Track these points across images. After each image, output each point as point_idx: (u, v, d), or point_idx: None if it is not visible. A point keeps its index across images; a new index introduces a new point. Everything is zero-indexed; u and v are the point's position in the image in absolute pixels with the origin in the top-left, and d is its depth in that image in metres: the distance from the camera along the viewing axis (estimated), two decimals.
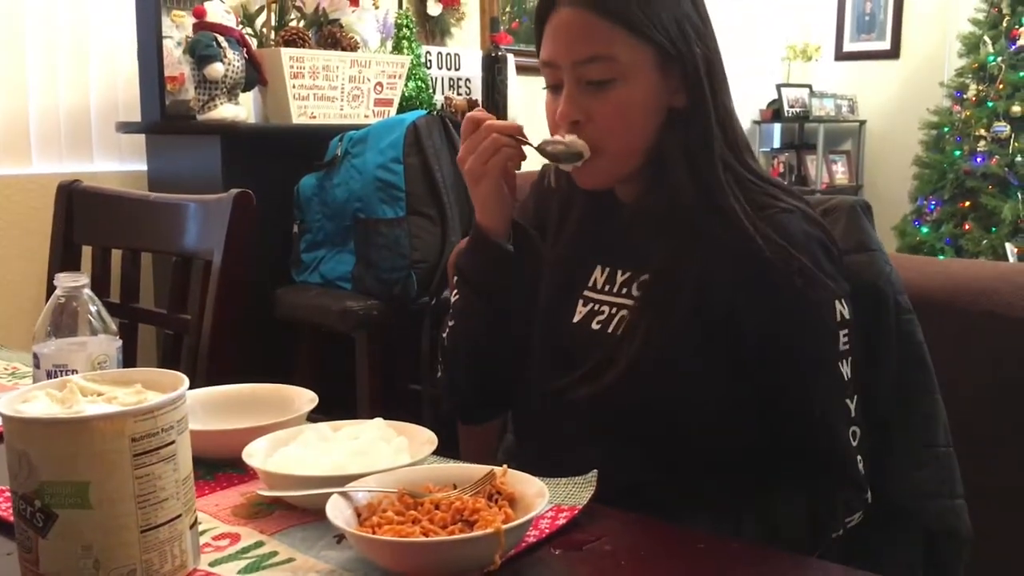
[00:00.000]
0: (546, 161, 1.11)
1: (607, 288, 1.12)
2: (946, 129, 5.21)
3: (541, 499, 0.79)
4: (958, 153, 5.12)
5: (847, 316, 1.03)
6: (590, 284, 1.13)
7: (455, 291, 1.21)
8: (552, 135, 1.08)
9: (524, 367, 1.17)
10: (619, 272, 1.11)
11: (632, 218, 1.11)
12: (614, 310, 1.09)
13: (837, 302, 1.02)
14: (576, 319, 1.12)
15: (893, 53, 5.79)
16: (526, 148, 1.10)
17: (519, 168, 1.13)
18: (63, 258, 1.77)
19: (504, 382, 1.21)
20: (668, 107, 1.06)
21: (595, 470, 0.91)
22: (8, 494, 0.74)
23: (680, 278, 1.03)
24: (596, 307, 1.12)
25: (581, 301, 1.13)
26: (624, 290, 1.10)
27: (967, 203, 5.09)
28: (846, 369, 1.02)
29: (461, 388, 1.25)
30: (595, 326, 1.10)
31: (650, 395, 1.03)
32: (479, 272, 1.16)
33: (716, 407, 1.03)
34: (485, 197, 1.12)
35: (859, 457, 1.02)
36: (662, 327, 1.03)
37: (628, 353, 1.03)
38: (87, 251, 1.78)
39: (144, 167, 2.84)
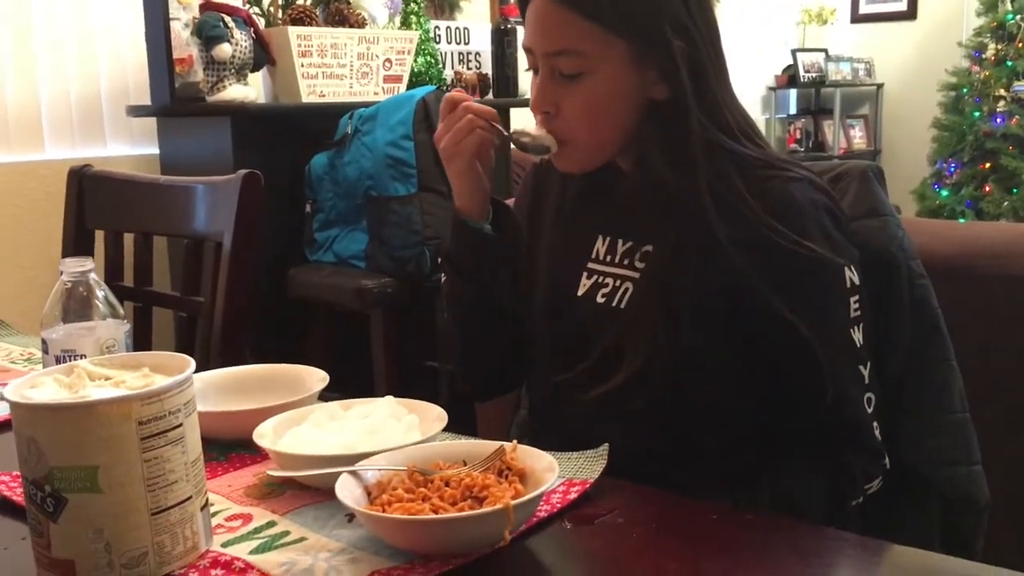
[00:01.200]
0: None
1: (608, 259, 1.11)
2: (965, 90, 5.14)
3: (551, 474, 0.79)
4: (977, 114, 5.05)
5: (856, 282, 1.02)
6: (593, 255, 1.13)
7: (443, 276, 1.22)
8: (535, 118, 1.09)
9: (530, 348, 1.17)
10: (620, 242, 1.11)
11: (631, 190, 1.10)
12: (618, 282, 1.09)
13: (846, 268, 1.01)
14: (581, 292, 1.12)
15: (910, 14, 5.71)
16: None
17: (492, 154, 1.14)
18: (76, 243, 1.77)
19: (507, 361, 1.22)
20: (648, 99, 1.05)
21: (606, 444, 0.91)
22: (19, 479, 0.74)
23: (683, 253, 1.03)
24: (600, 279, 1.11)
25: (585, 273, 1.12)
26: (626, 260, 1.09)
27: (987, 165, 5.03)
28: (858, 336, 1.01)
29: (466, 370, 1.26)
30: (600, 299, 1.10)
31: (666, 384, 1.02)
32: (458, 254, 1.19)
33: (729, 383, 1.03)
34: (457, 177, 1.14)
35: (875, 424, 1.02)
36: (670, 307, 1.02)
37: (639, 349, 1.02)
38: (100, 235, 1.78)
39: (156, 150, 2.85)
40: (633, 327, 1.04)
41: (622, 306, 1.07)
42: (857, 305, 1.02)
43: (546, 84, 1.05)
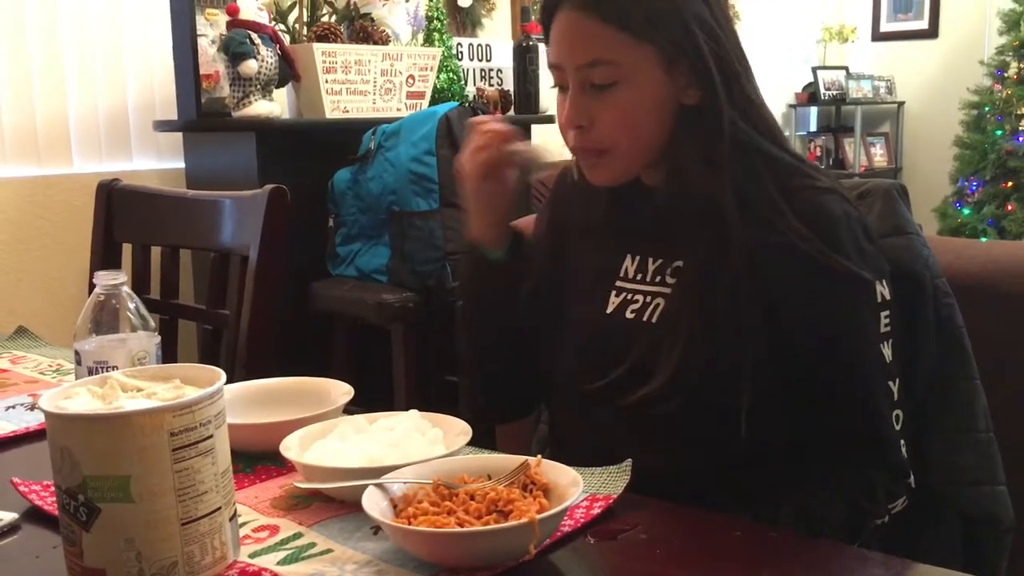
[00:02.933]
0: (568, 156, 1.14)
1: (639, 277, 1.10)
2: (987, 108, 5.12)
3: (575, 489, 0.79)
4: (999, 133, 5.03)
5: (887, 297, 1.01)
6: (621, 274, 1.12)
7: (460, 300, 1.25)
8: (563, 136, 1.09)
9: (555, 365, 1.16)
10: (650, 260, 1.10)
11: (661, 205, 1.09)
12: (648, 299, 1.08)
13: (878, 283, 1.01)
14: (609, 310, 1.11)
15: (931, 32, 5.70)
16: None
17: (511, 177, 1.13)
18: (104, 256, 1.80)
19: (525, 384, 1.23)
20: (679, 104, 1.04)
21: (629, 460, 0.91)
22: (52, 489, 0.76)
23: (716, 266, 1.01)
24: (629, 296, 1.10)
25: (614, 292, 1.12)
26: (657, 278, 1.08)
27: (1009, 183, 5.00)
28: (887, 351, 1.01)
29: (484, 394, 1.27)
30: (629, 315, 1.09)
31: (696, 395, 1.02)
32: (466, 278, 1.20)
33: (757, 395, 1.01)
34: (467, 198, 1.14)
35: (902, 441, 1.01)
36: (703, 318, 1.01)
37: (672, 353, 1.02)
38: (127, 248, 1.80)
39: (182, 164, 2.88)
40: (664, 341, 1.03)
41: (653, 321, 1.07)
42: (888, 320, 1.01)
43: (578, 97, 1.04)
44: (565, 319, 1.16)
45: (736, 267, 1.00)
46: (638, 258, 1.11)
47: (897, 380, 1.01)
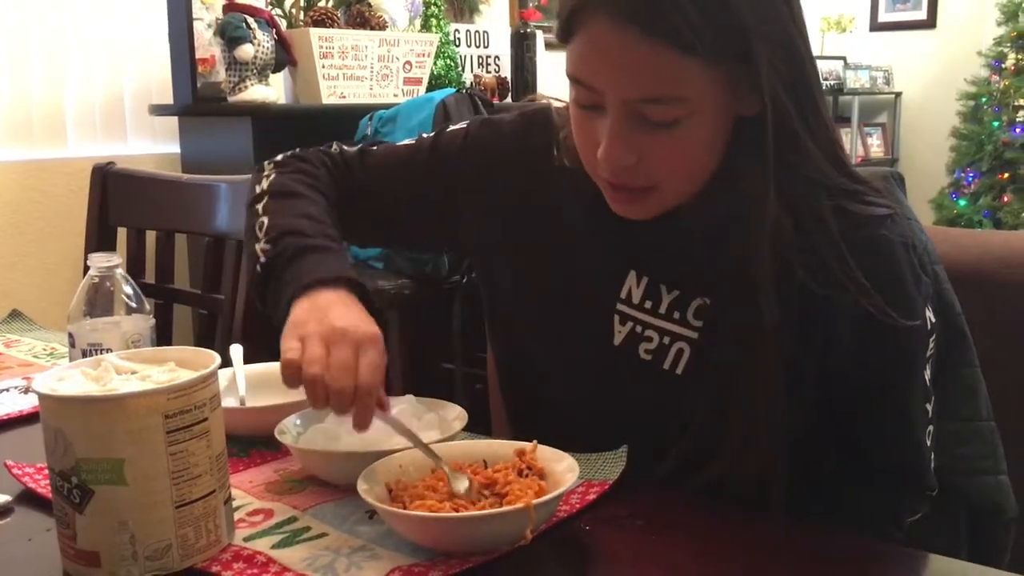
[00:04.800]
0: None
1: (648, 306, 0.95)
2: (984, 99, 5.11)
3: (571, 474, 0.79)
4: (996, 124, 5.02)
5: (933, 320, 0.93)
6: (623, 295, 0.96)
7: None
8: (589, 165, 0.89)
9: (529, 374, 1.04)
10: (663, 288, 0.94)
11: (691, 230, 0.92)
12: (666, 339, 0.94)
13: (926, 309, 0.92)
14: (617, 342, 0.96)
15: (929, 23, 5.68)
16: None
17: None
18: (99, 239, 1.79)
19: None
20: (736, 116, 0.86)
21: (625, 445, 0.91)
22: (46, 471, 0.75)
23: (759, 317, 0.85)
24: (639, 329, 0.95)
25: (617, 318, 0.96)
26: (676, 314, 0.93)
27: (1006, 175, 5.00)
28: (928, 373, 0.94)
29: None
30: (644, 355, 0.95)
31: (732, 457, 0.89)
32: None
33: (797, 445, 0.92)
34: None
35: (932, 455, 0.96)
36: (757, 378, 0.87)
37: (705, 417, 0.90)
38: (122, 232, 1.80)
39: (177, 149, 2.87)
40: (699, 401, 0.91)
41: (678, 371, 0.93)
42: (932, 344, 0.94)
43: (626, 133, 0.83)
44: (536, 319, 1.03)
45: (781, 312, 0.86)
46: (645, 280, 0.95)
47: (932, 399, 0.95)
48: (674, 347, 0.93)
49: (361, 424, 0.82)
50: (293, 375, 0.80)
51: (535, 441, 0.84)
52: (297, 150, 1.12)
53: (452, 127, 1.10)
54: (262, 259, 0.96)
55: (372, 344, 0.82)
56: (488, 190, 1.04)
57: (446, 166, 1.06)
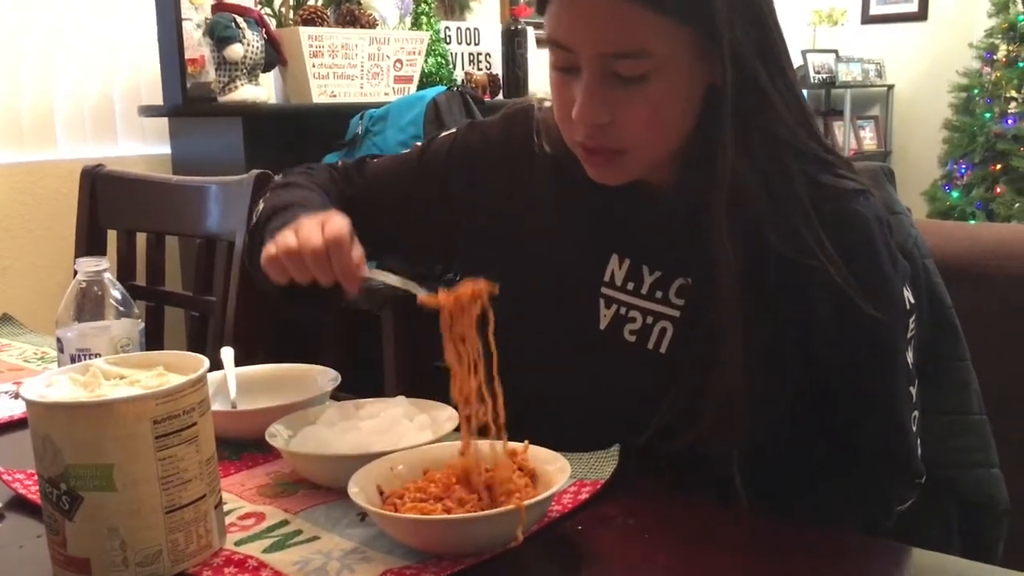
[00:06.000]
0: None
1: (630, 287, 0.97)
2: (976, 91, 5.12)
3: (563, 474, 0.79)
4: (988, 115, 5.03)
5: (912, 301, 0.95)
6: (606, 279, 0.98)
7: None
8: (564, 129, 0.93)
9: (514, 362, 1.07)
10: (645, 268, 0.97)
11: (670, 209, 0.94)
12: (649, 319, 0.96)
13: (904, 289, 0.94)
14: (603, 326, 0.98)
15: (921, 15, 5.69)
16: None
17: None
18: (88, 242, 1.78)
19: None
20: (708, 84, 0.90)
21: (617, 444, 0.91)
22: (36, 477, 0.75)
23: (737, 292, 0.88)
24: (623, 311, 0.97)
25: (602, 301, 0.98)
26: (658, 294, 0.96)
27: (998, 166, 5.00)
28: (910, 356, 0.95)
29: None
30: (629, 336, 0.97)
31: (711, 427, 0.90)
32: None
33: (779, 422, 0.93)
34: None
35: (918, 441, 0.97)
36: (734, 351, 0.88)
37: (686, 393, 0.91)
38: (112, 235, 1.79)
39: (168, 150, 2.86)
40: (681, 376, 0.92)
41: (662, 351, 0.95)
42: (913, 325, 0.94)
43: (599, 90, 0.87)
44: (524, 309, 1.01)
45: (760, 286, 0.89)
46: (627, 262, 0.98)
47: (916, 383, 0.96)
48: (657, 326, 0.96)
49: (347, 276, 0.87)
50: (273, 261, 0.89)
51: (527, 442, 0.84)
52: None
53: (442, 134, 1.14)
54: (253, 221, 1.04)
55: (335, 215, 0.91)
56: (476, 190, 1.08)
57: (435, 169, 1.10)
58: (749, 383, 0.88)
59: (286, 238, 0.89)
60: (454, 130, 1.13)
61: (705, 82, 0.89)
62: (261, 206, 1.07)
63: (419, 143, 1.15)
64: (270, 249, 0.89)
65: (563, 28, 0.88)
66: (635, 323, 0.97)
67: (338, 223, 0.89)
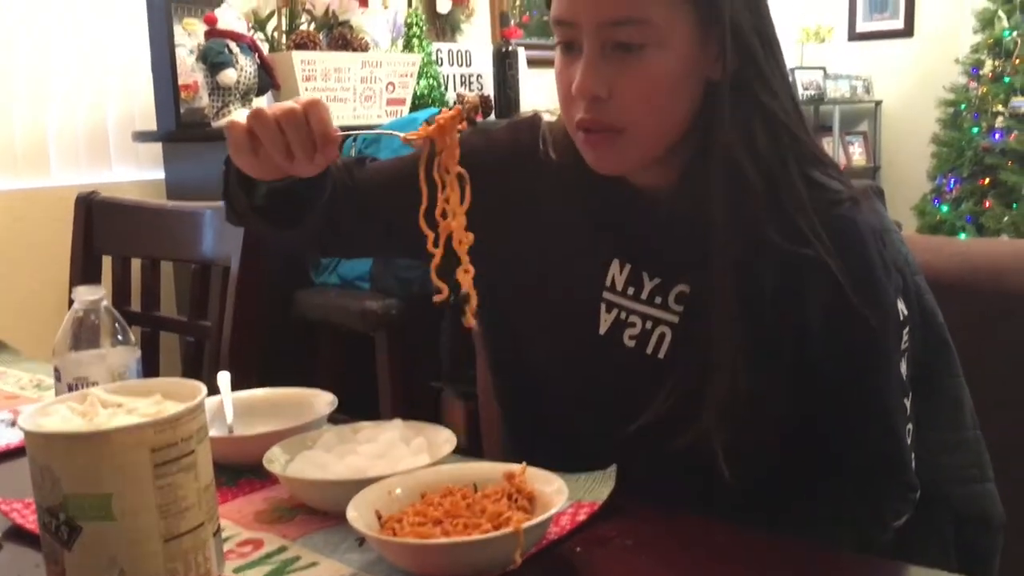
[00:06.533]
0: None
1: (631, 292, 0.98)
2: (963, 106, 5.16)
3: (561, 496, 0.79)
4: (976, 130, 5.06)
5: (905, 313, 0.95)
6: (608, 283, 1.00)
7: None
8: (565, 109, 0.94)
9: (518, 369, 1.06)
10: (645, 275, 0.98)
11: (669, 215, 0.95)
12: (649, 324, 0.97)
13: (897, 300, 0.95)
14: (603, 330, 0.99)
15: (907, 31, 5.73)
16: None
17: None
18: (83, 269, 1.78)
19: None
20: (705, 79, 0.92)
21: (614, 464, 0.91)
22: (34, 507, 0.75)
23: (736, 297, 0.90)
24: (623, 316, 0.98)
25: (604, 306, 0.99)
26: (657, 299, 0.97)
27: (986, 180, 5.03)
28: (904, 367, 0.96)
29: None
30: (629, 342, 0.98)
31: (710, 432, 0.91)
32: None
33: (777, 428, 0.95)
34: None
35: (912, 454, 0.97)
36: (733, 357, 0.89)
37: (684, 397, 0.92)
38: (107, 261, 1.79)
39: (162, 175, 2.87)
40: (680, 381, 0.93)
41: (660, 356, 0.96)
42: (907, 336, 0.95)
43: (597, 61, 0.89)
44: (527, 315, 1.04)
45: (758, 295, 0.90)
46: (628, 267, 0.99)
47: (910, 395, 0.97)
48: (656, 331, 0.96)
49: (324, 136, 0.87)
50: (238, 130, 0.89)
51: (524, 464, 0.85)
52: None
53: None
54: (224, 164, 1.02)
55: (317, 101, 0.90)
56: (479, 194, 1.05)
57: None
58: (746, 387, 0.89)
59: (257, 107, 0.89)
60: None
61: (703, 73, 0.92)
62: None
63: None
64: (237, 120, 0.89)
65: (567, 2, 0.90)
66: (635, 328, 0.98)
67: (315, 100, 0.90)
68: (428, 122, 0.88)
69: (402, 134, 0.89)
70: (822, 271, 0.89)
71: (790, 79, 0.98)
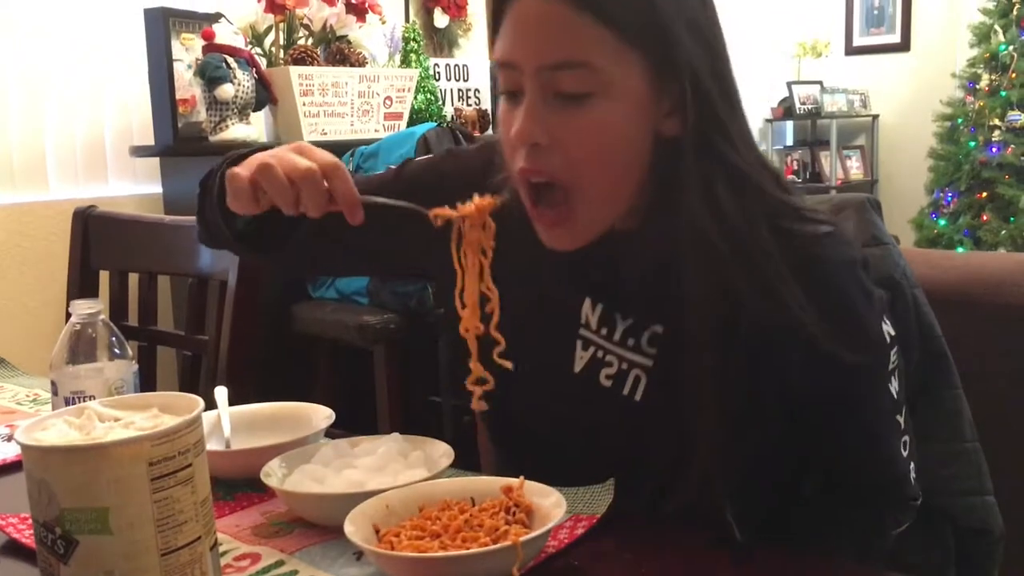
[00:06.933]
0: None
1: (604, 332, 0.95)
2: (960, 120, 5.18)
3: (559, 510, 0.79)
4: (973, 144, 5.08)
5: (892, 333, 0.92)
6: (583, 321, 0.96)
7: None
8: (509, 160, 0.88)
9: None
10: (618, 316, 0.94)
11: (640, 257, 0.90)
12: (624, 365, 0.93)
13: (883, 323, 0.92)
14: (578, 368, 0.96)
15: (903, 46, 5.77)
16: None
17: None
18: (81, 283, 1.78)
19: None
20: (655, 134, 0.85)
21: (612, 478, 0.91)
22: (30, 521, 0.75)
23: (712, 338, 0.85)
24: (600, 355, 0.94)
25: (580, 343, 0.96)
26: (631, 341, 0.93)
27: (984, 194, 5.05)
28: (895, 385, 0.93)
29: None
30: (605, 381, 0.94)
31: (700, 481, 0.88)
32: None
33: (768, 467, 0.93)
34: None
35: (912, 465, 0.96)
36: (713, 403, 0.85)
37: (667, 444, 0.88)
38: (104, 275, 1.79)
39: (159, 189, 2.87)
40: (659, 426, 0.90)
41: (637, 398, 0.93)
42: (895, 355, 0.93)
43: (539, 107, 0.83)
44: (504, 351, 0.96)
45: (739, 337, 0.85)
46: (600, 307, 0.95)
47: (904, 408, 0.95)
48: (632, 373, 0.93)
49: (350, 201, 0.83)
50: (242, 182, 0.83)
51: (522, 477, 0.84)
52: None
53: (419, 158, 1.11)
54: (199, 187, 1.01)
55: (312, 147, 0.86)
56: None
57: (409, 192, 0.98)
58: (727, 433, 0.86)
59: (262, 160, 0.83)
60: (430, 156, 1.11)
61: (656, 128, 0.85)
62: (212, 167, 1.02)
63: (394, 165, 1.11)
64: (239, 171, 0.83)
65: (509, 44, 0.85)
66: (611, 368, 0.94)
67: (321, 151, 0.85)
68: (461, 201, 0.85)
69: (431, 211, 0.85)
70: (799, 328, 0.85)
71: (750, 128, 0.91)
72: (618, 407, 0.94)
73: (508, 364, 0.86)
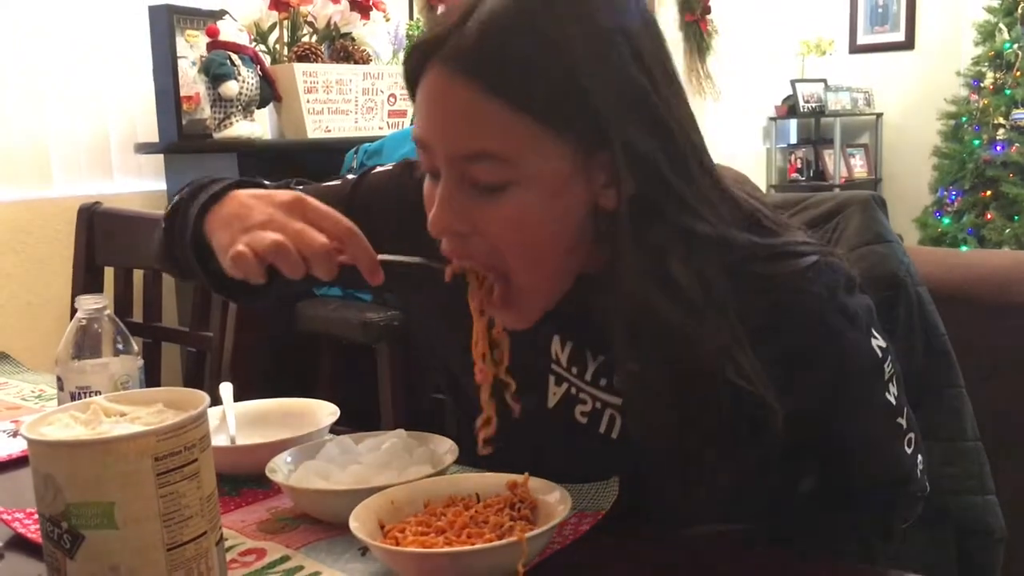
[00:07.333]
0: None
1: (574, 371, 0.91)
2: (964, 119, 5.17)
3: (564, 506, 0.79)
4: (977, 142, 5.08)
5: (883, 344, 0.89)
6: (553, 357, 0.92)
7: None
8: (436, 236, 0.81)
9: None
10: (588, 354, 0.90)
11: (607, 298, 0.82)
12: (598, 404, 0.90)
13: (872, 339, 0.88)
14: (551, 403, 0.92)
15: (908, 44, 5.76)
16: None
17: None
18: (85, 279, 1.79)
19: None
20: (594, 206, 0.79)
21: (616, 476, 0.91)
22: (36, 516, 0.75)
23: (688, 384, 0.80)
24: (573, 391, 0.91)
25: (553, 379, 0.92)
26: (602, 381, 0.89)
27: (988, 192, 5.05)
28: (893, 390, 0.91)
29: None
30: (580, 417, 0.91)
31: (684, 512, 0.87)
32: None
33: (763, 489, 0.91)
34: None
35: (919, 458, 0.95)
36: (685, 446, 0.82)
37: (653, 482, 0.87)
38: (109, 271, 1.80)
39: (164, 186, 2.87)
40: (640, 463, 0.87)
41: (613, 436, 0.89)
42: (890, 364, 0.90)
43: (454, 195, 0.77)
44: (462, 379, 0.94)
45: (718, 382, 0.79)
46: (570, 344, 0.91)
47: (906, 409, 0.93)
48: (606, 412, 0.90)
49: (371, 266, 0.80)
50: (246, 267, 0.80)
51: (527, 473, 0.84)
52: None
53: (378, 169, 1.04)
54: (163, 222, 0.96)
55: (305, 199, 0.83)
56: (409, 241, 0.86)
57: (363, 211, 0.93)
58: (709, 460, 0.82)
59: (276, 241, 0.79)
60: (390, 167, 1.02)
61: (593, 200, 0.79)
62: (175, 200, 0.97)
63: (351, 176, 1.04)
64: (243, 251, 0.79)
65: (421, 123, 0.79)
66: (586, 405, 0.91)
67: (326, 208, 0.81)
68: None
69: (448, 267, 0.82)
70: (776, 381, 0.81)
71: (713, 169, 0.83)
72: (597, 443, 0.91)
73: (516, 407, 0.86)
